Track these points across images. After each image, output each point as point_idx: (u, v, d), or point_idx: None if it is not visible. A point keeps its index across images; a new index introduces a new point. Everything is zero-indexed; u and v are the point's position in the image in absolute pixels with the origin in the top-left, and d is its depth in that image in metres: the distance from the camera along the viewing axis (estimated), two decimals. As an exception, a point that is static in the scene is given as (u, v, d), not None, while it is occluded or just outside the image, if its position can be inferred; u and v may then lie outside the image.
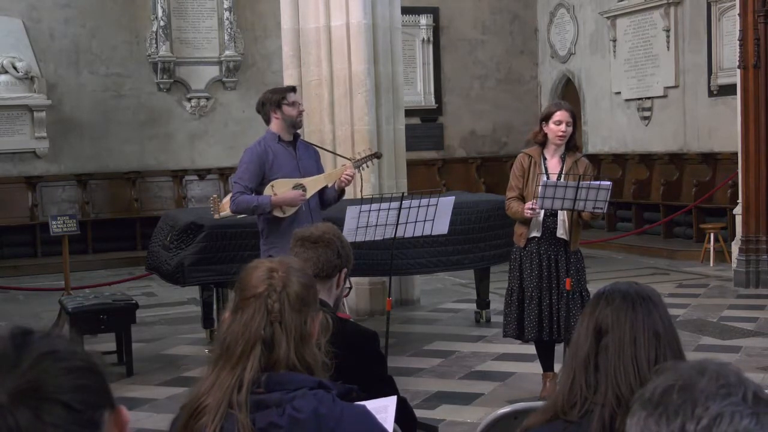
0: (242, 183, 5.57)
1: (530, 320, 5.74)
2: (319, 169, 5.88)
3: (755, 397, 1.17)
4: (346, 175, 5.69)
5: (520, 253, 5.79)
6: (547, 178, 5.61)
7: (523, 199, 5.70)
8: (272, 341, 2.08)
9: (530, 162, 5.72)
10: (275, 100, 5.62)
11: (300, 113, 5.70)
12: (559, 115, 5.64)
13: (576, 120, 5.74)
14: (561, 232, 5.68)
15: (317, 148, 6.15)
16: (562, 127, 5.62)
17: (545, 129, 5.69)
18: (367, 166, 6.22)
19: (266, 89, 6.02)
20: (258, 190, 5.58)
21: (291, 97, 5.65)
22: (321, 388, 2.07)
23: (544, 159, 5.74)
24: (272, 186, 5.56)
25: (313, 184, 5.69)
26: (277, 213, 5.55)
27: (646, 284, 2.14)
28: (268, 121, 5.70)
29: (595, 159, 14.51)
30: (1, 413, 1.05)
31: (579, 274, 5.74)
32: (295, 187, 5.60)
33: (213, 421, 2.01)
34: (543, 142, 5.73)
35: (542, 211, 5.62)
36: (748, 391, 1.17)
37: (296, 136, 5.77)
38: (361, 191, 7.76)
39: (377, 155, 6.35)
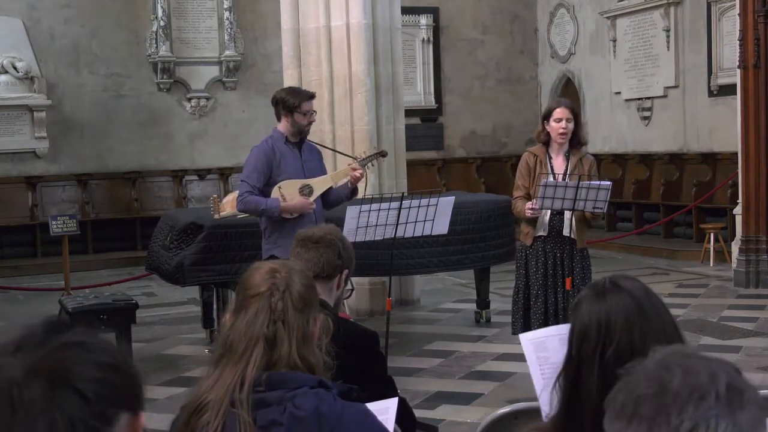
0: (249, 182, 5.56)
1: (536, 318, 5.77)
2: (323, 170, 5.89)
3: (728, 390, 1.14)
4: (354, 174, 5.69)
5: (526, 252, 5.80)
6: (554, 177, 5.62)
7: (530, 198, 5.71)
8: (275, 340, 2.09)
9: (536, 161, 5.74)
10: (290, 105, 5.59)
11: (309, 123, 5.68)
12: (558, 112, 5.65)
13: (578, 116, 5.74)
14: (567, 231, 5.69)
15: (321, 148, 6.15)
16: (562, 124, 5.63)
17: (547, 127, 5.70)
18: (372, 165, 6.22)
19: (268, 91, 6.01)
20: (264, 191, 5.58)
21: (305, 106, 5.61)
22: (321, 387, 2.07)
23: (549, 158, 5.75)
24: (280, 187, 5.56)
25: (320, 185, 5.70)
26: (285, 214, 5.56)
27: (622, 281, 2.01)
28: (278, 119, 5.71)
29: (595, 159, 14.50)
30: (10, 386, 1.05)
31: (584, 273, 5.76)
32: (302, 188, 5.61)
33: (215, 418, 2.02)
34: (547, 141, 5.74)
35: (547, 211, 5.63)
36: (720, 386, 1.14)
37: (302, 138, 5.77)
38: (365, 191, 7.77)
39: (383, 154, 6.34)
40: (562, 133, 5.64)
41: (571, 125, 5.65)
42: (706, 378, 1.15)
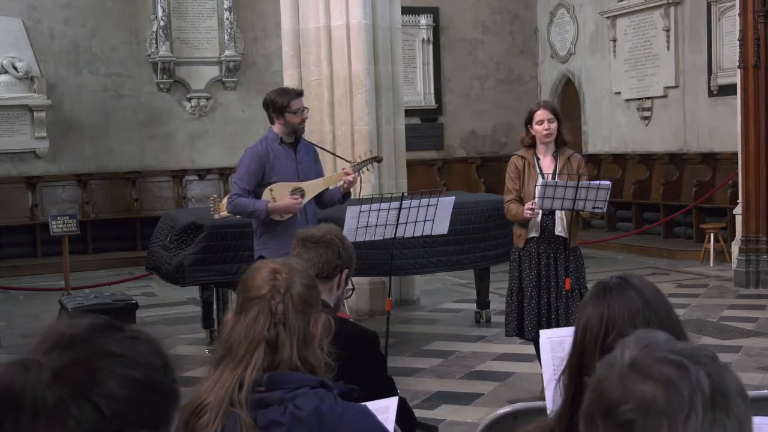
0: (240, 185, 5.55)
1: (530, 319, 5.76)
2: (318, 170, 5.88)
3: (713, 398, 1.10)
4: (347, 179, 5.68)
5: (519, 254, 5.81)
6: (543, 177, 5.63)
7: (521, 200, 5.71)
8: (276, 343, 2.08)
9: (524, 163, 5.76)
10: (279, 106, 5.56)
11: (302, 121, 5.65)
12: (539, 114, 5.70)
13: (559, 115, 5.77)
14: (559, 230, 5.70)
15: (317, 148, 6.14)
16: (545, 125, 5.68)
17: (531, 131, 5.74)
18: (368, 170, 6.22)
19: (267, 91, 5.97)
20: (256, 191, 5.57)
21: (295, 105, 5.58)
22: (322, 387, 2.07)
23: (537, 159, 5.78)
24: (271, 190, 5.54)
25: (312, 188, 5.68)
26: (275, 217, 5.54)
27: (630, 278, 2.01)
28: (271, 121, 5.70)
29: (595, 159, 14.51)
30: (35, 388, 1.06)
31: (578, 272, 5.76)
32: (293, 191, 5.58)
33: (215, 420, 2.02)
34: (532, 144, 5.78)
35: (540, 211, 5.64)
36: (705, 396, 1.10)
37: (297, 138, 5.75)
38: (359, 192, 7.77)
39: (377, 159, 6.32)
40: (546, 134, 5.68)
41: (554, 125, 5.69)
42: (688, 389, 1.10)
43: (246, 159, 5.62)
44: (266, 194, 5.54)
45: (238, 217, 6.38)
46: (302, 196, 5.60)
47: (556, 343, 2.53)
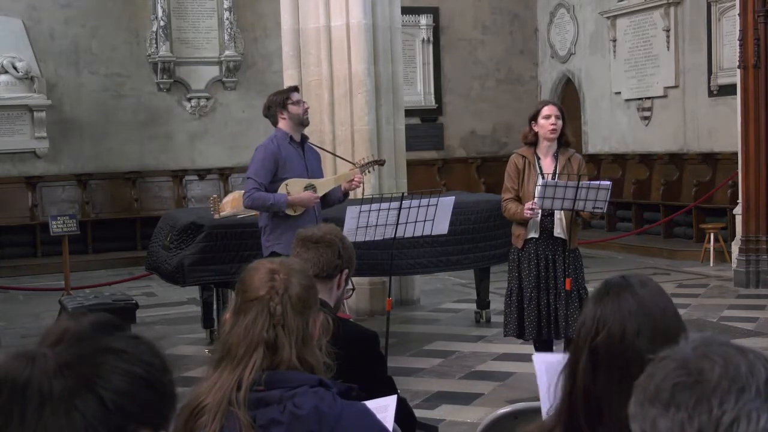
0: (257, 180, 5.70)
1: (530, 320, 5.75)
2: (321, 172, 6.09)
3: (767, 384, 1.14)
4: (356, 180, 5.87)
5: (518, 254, 5.79)
6: (543, 177, 5.61)
7: (519, 200, 5.69)
8: (275, 344, 2.08)
9: (524, 162, 5.73)
10: (279, 101, 5.78)
11: (305, 110, 5.87)
12: (546, 109, 5.66)
13: (565, 115, 5.74)
14: (558, 231, 5.68)
15: (319, 151, 6.28)
16: (552, 120, 5.63)
17: (535, 127, 5.70)
18: (370, 172, 6.37)
19: (268, 91, 6.22)
20: (269, 188, 5.70)
21: (295, 96, 5.83)
22: (321, 386, 2.07)
23: (538, 158, 5.75)
24: (287, 185, 5.70)
25: (323, 186, 5.87)
26: (289, 211, 5.70)
27: (632, 278, 1.99)
28: (275, 123, 5.86)
29: (595, 159, 14.51)
30: (41, 379, 1.08)
31: (577, 273, 5.74)
32: (306, 188, 5.77)
33: (213, 421, 2.02)
34: (534, 142, 5.74)
35: (540, 211, 5.62)
36: (760, 378, 1.14)
37: (304, 138, 5.90)
38: (362, 192, 7.78)
39: (380, 162, 6.50)
40: (552, 130, 5.62)
41: (560, 122, 5.65)
42: (745, 369, 1.14)
43: (260, 155, 5.78)
44: (282, 189, 5.71)
45: (239, 216, 6.42)
46: (315, 192, 5.79)
47: (550, 366, 2.48)
